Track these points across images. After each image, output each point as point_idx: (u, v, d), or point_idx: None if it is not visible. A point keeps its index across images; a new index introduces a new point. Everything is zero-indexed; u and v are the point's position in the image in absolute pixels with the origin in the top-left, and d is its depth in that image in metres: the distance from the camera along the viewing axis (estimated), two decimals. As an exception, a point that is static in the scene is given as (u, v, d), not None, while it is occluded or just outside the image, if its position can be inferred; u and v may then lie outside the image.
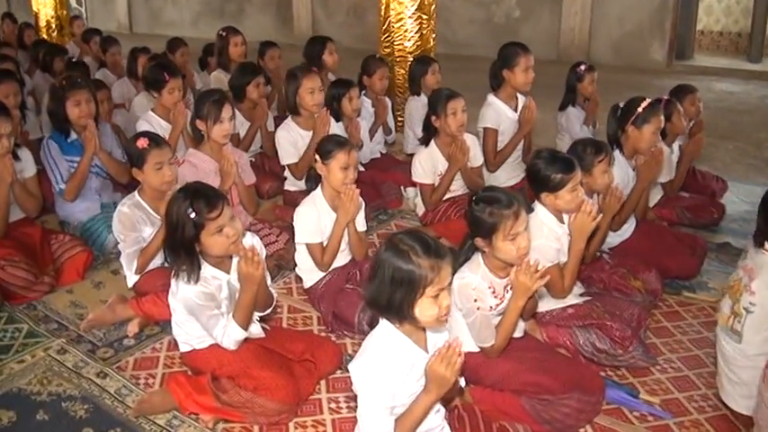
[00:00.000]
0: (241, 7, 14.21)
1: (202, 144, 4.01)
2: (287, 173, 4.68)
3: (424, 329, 2.23)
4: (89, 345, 3.37)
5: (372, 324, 3.31)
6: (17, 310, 3.69)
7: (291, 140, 4.54)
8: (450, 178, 4.33)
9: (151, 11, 15.77)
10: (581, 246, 3.10)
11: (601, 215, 3.13)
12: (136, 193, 3.55)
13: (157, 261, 3.59)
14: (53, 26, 9.11)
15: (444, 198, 4.42)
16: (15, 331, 3.51)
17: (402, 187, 5.06)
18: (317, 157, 3.45)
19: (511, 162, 4.83)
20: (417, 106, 5.64)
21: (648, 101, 3.84)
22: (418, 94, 5.65)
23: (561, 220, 3.15)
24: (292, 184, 4.69)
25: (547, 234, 3.06)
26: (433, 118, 4.29)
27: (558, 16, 11.03)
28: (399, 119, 6.23)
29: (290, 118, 4.63)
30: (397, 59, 6.31)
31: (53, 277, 3.90)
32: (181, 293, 2.74)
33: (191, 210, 2.60)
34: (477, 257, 2.73)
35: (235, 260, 2.80)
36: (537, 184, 3.15)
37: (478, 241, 2.66)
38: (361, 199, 3.46)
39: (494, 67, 4.78)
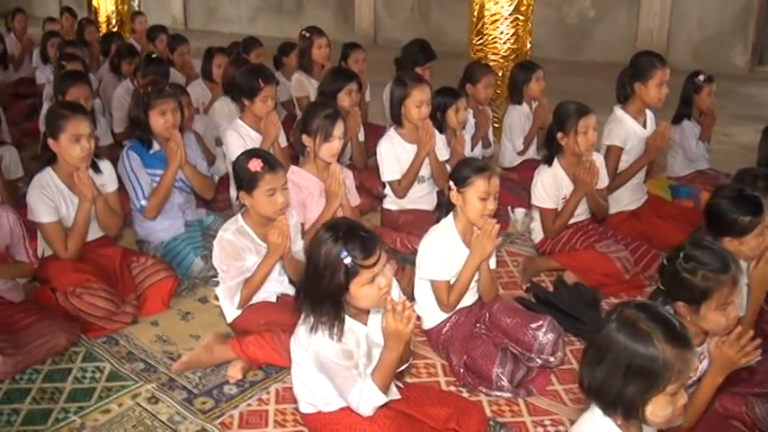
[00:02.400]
0: (300, 4, 13.79)
1: (305, 161, 3.55)
2: (387, 190, 4.20)
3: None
4: (184, 392, 2.93)
5: (513, 379, 2.88)
6: (95, 344, 3.27)
7: (395, 154, 4.07)
8: (575, 203, 3.83)
9: (207, 6, 15.39)
10: (760, 299, 2.60)
11: None
12: (239, 217, 3.11)
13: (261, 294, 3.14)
14: (113, 22, 8.74)
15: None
16: (96, 371, 3.08)
17: (509, 208, 4.56)
18: (452, 184, 2.98)
19: (635, 183, 4.31)
20: (518, 116, 5.17)
21: None
22: (519, 103, 5.17)
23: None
24: (393, 203, 4.22)
25: None
26: (560, 135, 3.79)
27: (636, 17, 10.47)
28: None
29: (392, 129, 4.16)
30: (491, 64, 5.78)
31: (135, 306, 3.48)
32: (314, 347, 2.29)
33: (345, 254, 2.14)
34: None
35: (373, 312, 2.35)
36: (719, 227, 2.66)
37: (680, 307, 2.18)
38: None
39: (623, 77, 4.26)
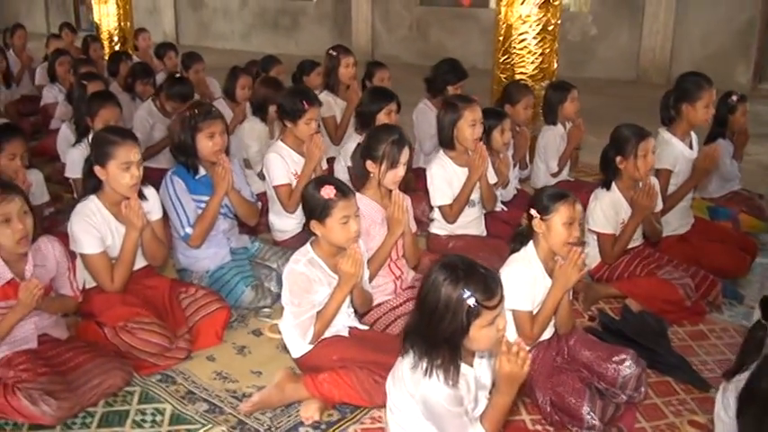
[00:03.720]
0: (296, 20, 13.65)
1: (367, 188, 3.40)
2: (436, 214, 4.06)
3: None
4: (256, 436, 2.76)
5: (604, 417, 2.74)
6: (149, 382, 3.09)
7: (447, 178, 3.94)
8: (634, 227, 3.73)
9: (200, 22, 15.19)
10: None
11: None
12: (309, 248, 2.94)
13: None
14: (115, 39, 8.50)
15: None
16: (156, 413, 2.90)
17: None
18: (533, 212, 2.86)
19: (683, 206, 4.22)
20: (553, 137, 5.08)
21: None
22: (554, 124, 5.07)
23: None
24: (441, 228, 4.07)
25: None
26: (618, 159, 3.69)
27: (638, 35, 10.50)
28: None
29: (442, 153, 4.02)
30: (518, 84, 5.69)
31: (188, 341, 3.29)
32: (424, 393, 2.14)
33: (468, 294, 2.01)
34: None
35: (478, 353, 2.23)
36: None
37: None
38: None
39: (668, 99, 4.18)
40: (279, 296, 3.72)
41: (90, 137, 4.30)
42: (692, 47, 10.15)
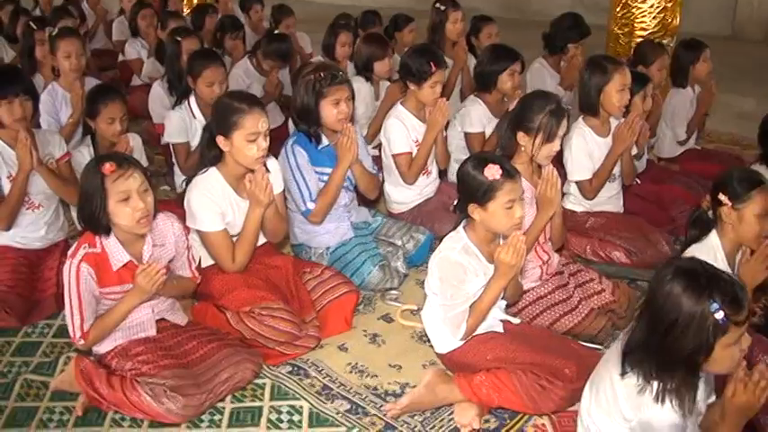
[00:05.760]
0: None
1: (513, 161, 3.01)
2: (572, 188, 3.68)
3: None
4: (409, 442, 2.47)
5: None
6: (279, 374, 2.82)
7: (587, 150, 3.55)
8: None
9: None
10: None
11: None
12: (462, 232, 2.61)
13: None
14: (193, -10, 8.12)
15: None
16: (293, 411, 2.63)
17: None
18: (723, 198, 2.48)
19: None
20: (683, 101, 4.62)
21: None
22: (683, 86, 4.60)
23: None
24: (577, 203, 3.69)
25: None
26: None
27: (736, -14, 9.76)
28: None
29: (581, 122, 3.62)
30: (637, 41, 5.20)
31: (317, 328, 3.01)
32: (648, 419, 1.83)
33: (716, 307, 1.68)
34: None
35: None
36: None
37: None
38: None
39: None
40: (405, 276, 3.45)
41: (191, 98, 4.02)
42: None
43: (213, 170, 2.98)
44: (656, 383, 1.79)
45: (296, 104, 3.31)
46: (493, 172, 2.45)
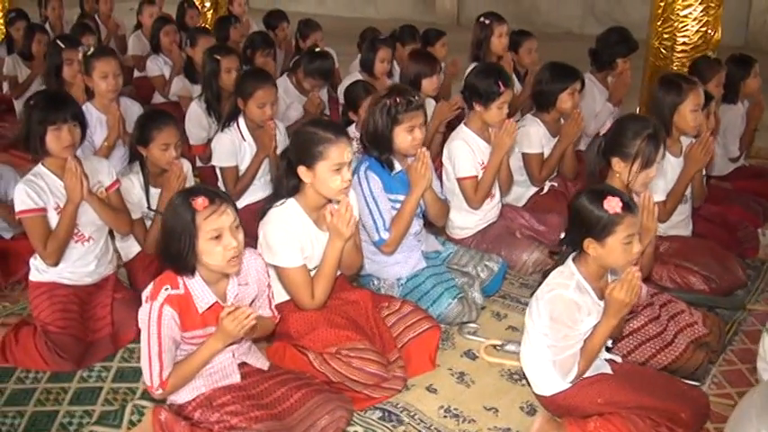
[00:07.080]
0: (376, -19, 12.95)
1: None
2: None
3: None
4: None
5: None
6: (370, 420, 2.65)
7: (661, 171, 3.41)
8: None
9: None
10: None
11: None
12: (573, 267, 2.47)
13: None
14: (207, 5, 7.89)
15: None
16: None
17: (760, 230, 3.95)
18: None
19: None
20: (735, 117, 4.54)
21: None
22: (734, 102, 4.52)
23: None
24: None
25: None
26: None
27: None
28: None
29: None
30: (678, 55, 5.12)
31: (402, 368, 2.85)
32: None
33: None
34: None
35: None
36: None
37: None
38: None
39: None
40: (482, 309, 3.30)
41: (240, 120, 3.86)
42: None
43: (291, 201, 2.82)
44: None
45: (369, 130, 3.16)
46: (613, 205, 2.32)
